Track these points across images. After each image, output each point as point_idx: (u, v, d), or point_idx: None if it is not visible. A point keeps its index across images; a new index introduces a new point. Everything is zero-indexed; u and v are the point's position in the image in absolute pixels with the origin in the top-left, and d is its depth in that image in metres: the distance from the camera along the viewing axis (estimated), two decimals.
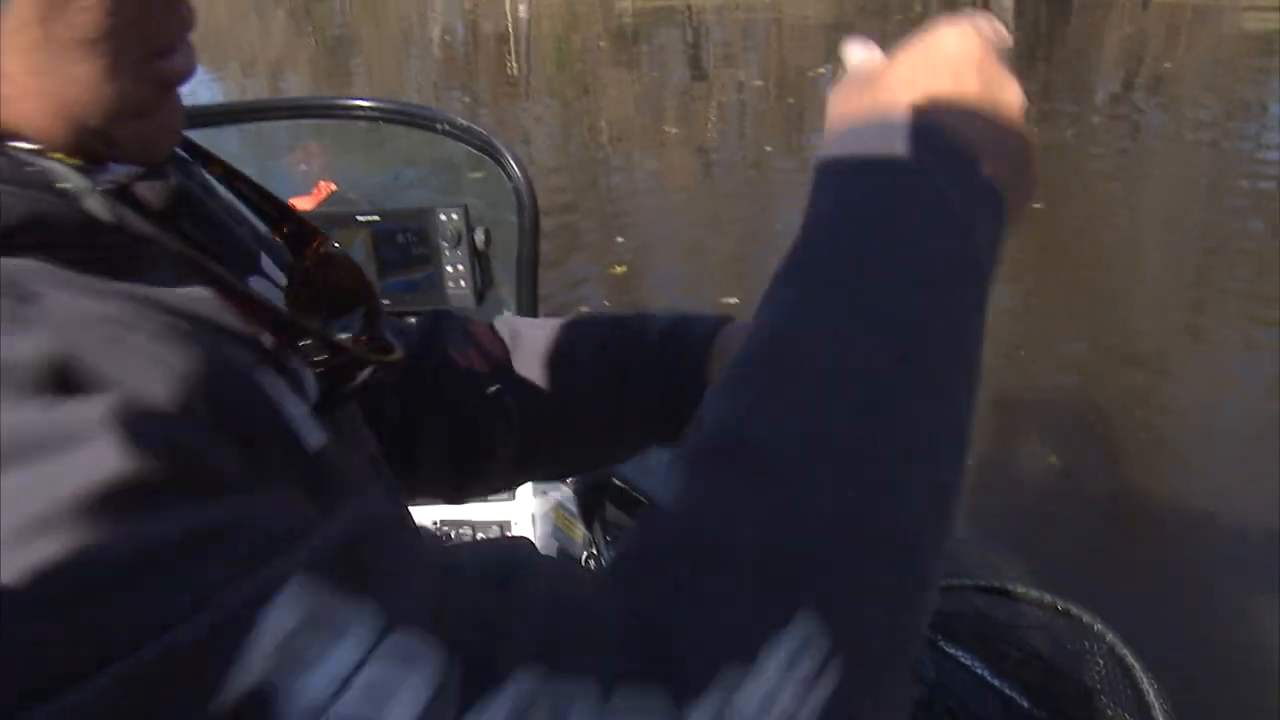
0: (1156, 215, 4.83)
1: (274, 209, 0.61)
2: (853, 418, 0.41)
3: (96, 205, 0.41)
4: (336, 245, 0.62)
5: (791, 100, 8.04)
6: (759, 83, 8.71)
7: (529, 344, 0.79)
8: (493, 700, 0.33)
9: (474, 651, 0.34)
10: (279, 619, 0.31)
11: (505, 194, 1.45)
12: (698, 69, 9.61)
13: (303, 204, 1.91)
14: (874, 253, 0.45)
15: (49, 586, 0.30)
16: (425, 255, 1.54)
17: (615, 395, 0.76)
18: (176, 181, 0.50)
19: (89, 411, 0.33)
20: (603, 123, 7.75)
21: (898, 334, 0.43)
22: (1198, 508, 2.64)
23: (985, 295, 0.47)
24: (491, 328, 0.81)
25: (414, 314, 1.57)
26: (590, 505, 1.69)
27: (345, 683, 0.31)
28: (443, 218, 1.52)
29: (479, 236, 1.55)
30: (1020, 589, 1.60)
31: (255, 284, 0.56)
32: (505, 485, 0.87)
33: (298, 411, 0.47)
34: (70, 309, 0.37)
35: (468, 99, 8.85)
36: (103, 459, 0.32)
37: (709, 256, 4.72)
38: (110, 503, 0.32)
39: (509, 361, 0.79)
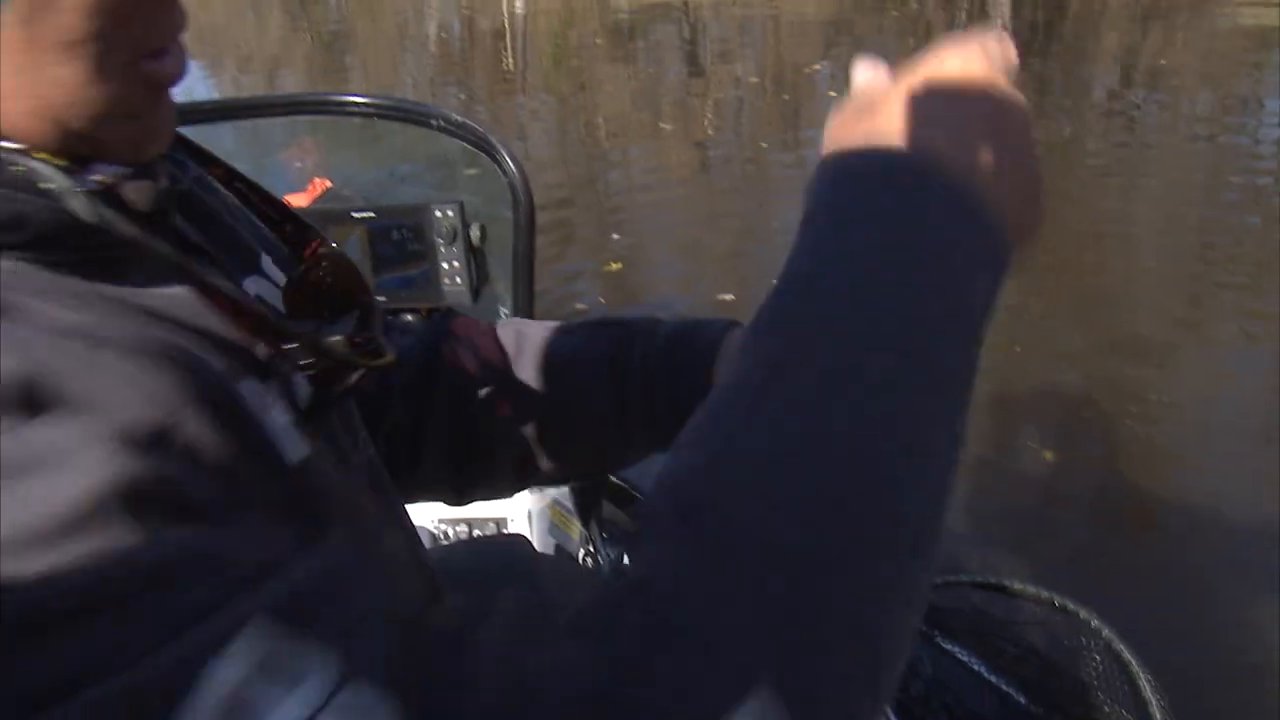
0: (1153, 210, 4.82)
1: (274, 210, 0.61)
2: (820, 490, 0.39)
3: (80, 206, 0.40)
4: (334, 246, 0.62)
5: (788, 97, 8.03)
6: (755, 79, 8.70)
7: (535, 346, 0.78)
8: None
9: (425, 714, 0.33)
10: (232, 667, 0.31)
11: (501, 190, 1.45)
12: (694, 65, 9.59)
13: (298, 201, 1.90)
14: (860, 306, 0.43)
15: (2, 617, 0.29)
16: (421, 252, 1.54)
17: (621, 399, 0.75)
18: (173, 181, 0.50)
19: (54, 436, 0.33)
20: (599, 119, 7.74)
21: (878, 400, 0.41)
22: (1196, 504, 2.64)
23: (979, 342, 0.45)
24: (493, 329, 0.81)
25: (410, 311, 1.58)
26: (587, 502, 1.69)
27: None
28: (438, 214, 1.52)
29: (474, 233, 1.55)
30: (1017, 585, 1.60)
31: (255, 284, 0.56)
32: (510, 488, 0.85)
33: (280, 423, 0.46)
34: (43, 322, 0.37)
35: (463, 95, 8.83)
36: (65, 487, 0.32)
37: (705, 253, 4.71)
38: (71, 533, 0.31)
39: (513, 363, 0.78)
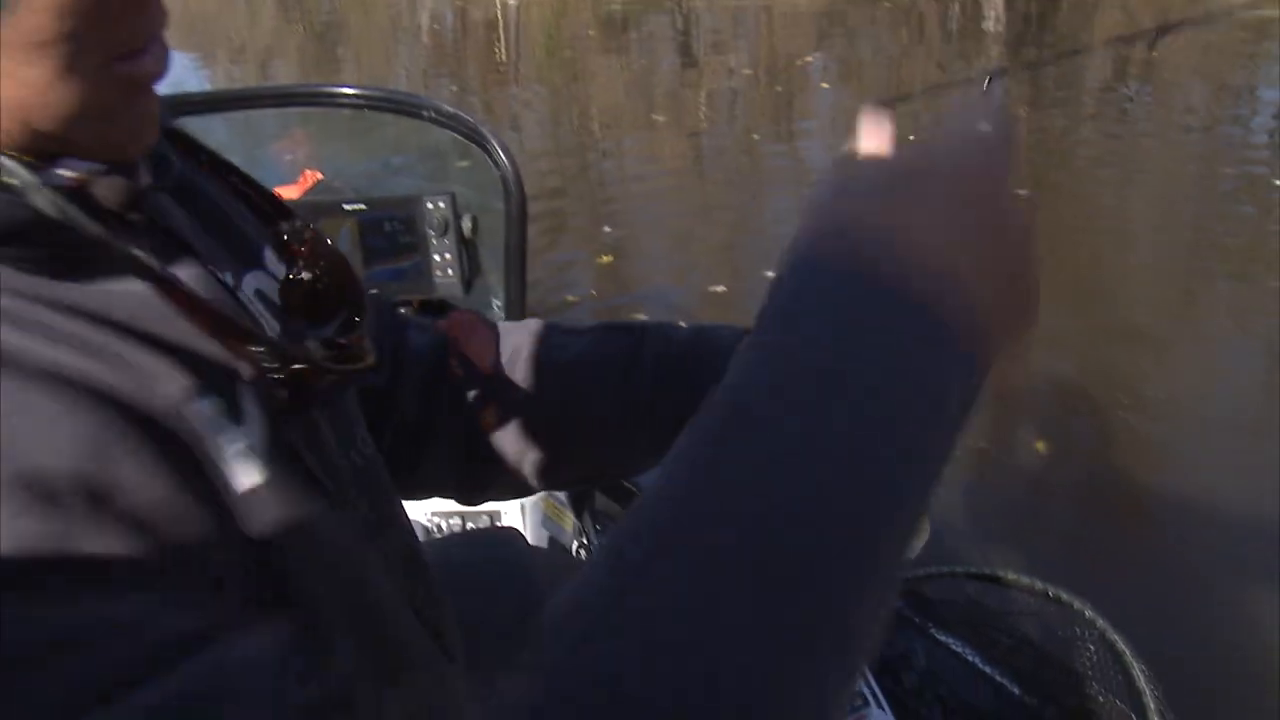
0: (1147, 201, 4.83)
1: (270, 205, 0.60)
2: (736, 613, 0.34)
3: (44, 202, 0.39)
4: (330, 242, 0.61)
5: (781, 88, 8.02)
6: (748, 71, 8.69)
7: (546, 348, 0.78)
8: None
9: None
10: None
11: (493, 181, 1.45)
12: (687, 56, 9.58)
13: (288, 193, 1.89)
14: (812, 425, 0.37)
15: None
16: (412, 243, 1.54)
17: (633, 404, 0.75)
18: (157, 177, 0.49)
19: None
20: (592, 110, 7.74)
21: (820, 520, 0.36)
22: (1189, 495, 2.65)
23: (945, 459, 0.40)
24: (505, 329, 0.80)
25: (402, 303, 1.57)
26: (580, 495, 1.68)
27: None
28: (430, 206, 1.52)
29: (466, 224, 1.54)
30: (1011, 575, 1.60)
31: (256, 279, 0.55)
32: (515, 491, 0.83)
33: (233, 448, 0.43)
34: None
35: (456, 87, 8.82)
36: None
37: (697, 244, 4.71)
38: None
39: (523, 364, 0.77)
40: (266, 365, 0.46)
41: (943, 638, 1.53)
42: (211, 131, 1.57)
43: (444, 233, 1.52)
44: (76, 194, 0.42)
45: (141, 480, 0.38)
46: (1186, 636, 2.08)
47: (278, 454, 0.46)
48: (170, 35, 0.45)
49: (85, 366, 0.38)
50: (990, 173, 0.44)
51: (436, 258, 1.54)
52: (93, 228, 0.40)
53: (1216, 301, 3.79)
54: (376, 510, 0.60)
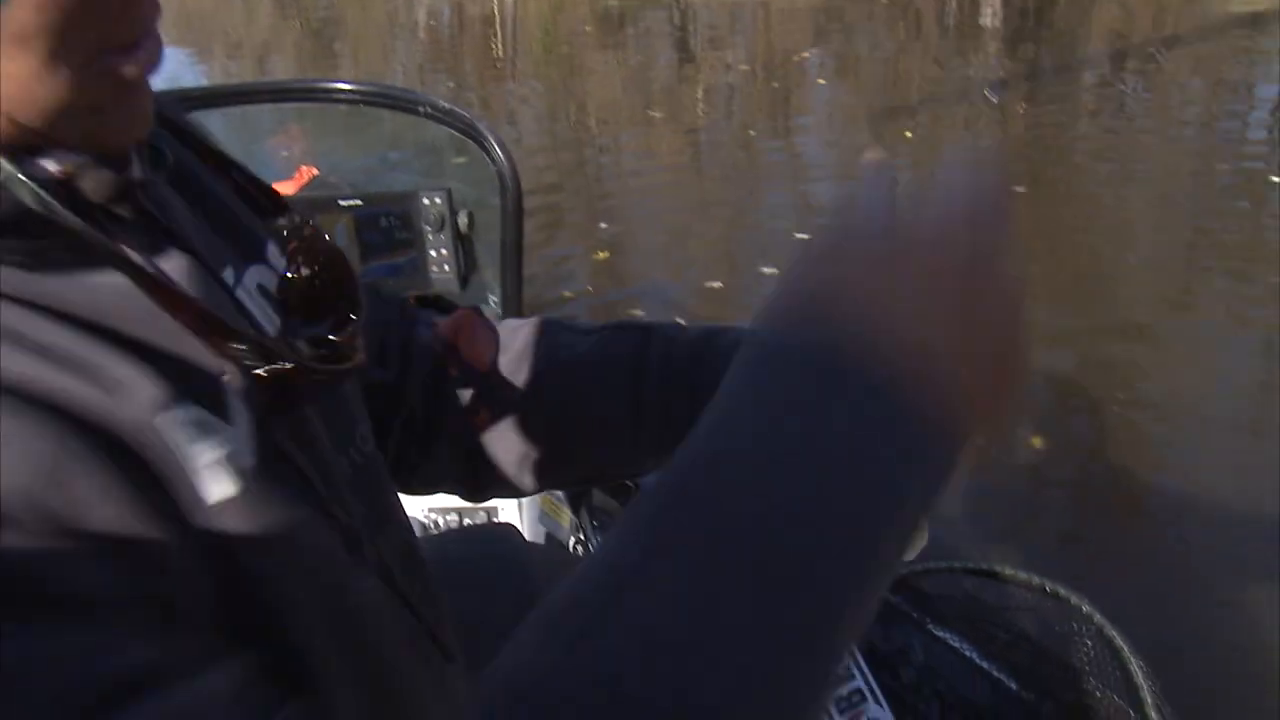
0: (1144, 196, 4.83)
1: (270, 201, 0.60)
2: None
3: (25, 194, 0.39)
4: (328, 238, 0.61)
5: (778, 84, 8.02)
6: (745, 67, 8.68)
7: (554, 346, 0.77)
8: None
9: None
10: None
11: (489, 177, 1.45)
12: (685, 52, 9.57)
13: (284, 188, 1.89)
14: (812, 425, 0.37)
15: None
16: (408, 239, 1.54)
17: (638, 405, 0.74)
18: (152, 168, 0.48)
19: None
20: (589, 106, 7.73)
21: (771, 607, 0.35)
22: (1185, 489, 2.65)
23: (900, 552, 0.39)
24: (511, 327, 0.79)
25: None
26: (578, 491, 1.68)
27: None
28: (426, 201, 1.51)
29: (462, 220, 1.54)
30: (1008, 571, 1.61)
31: (258, 273, 0.55)
32: (517, 489, 0.82)
33: (206, 457, 0.42)
34: None
35: (452, 83, 8.80)
36: None
37: (694, 240, 4.71)
38: None
39: (529, 362, 0.77)
40: (249, 364, 0.45)
41: (940, 633, 1.53)
42: (208, 127, 1.56)
43: (440, 228, 1.52)
44: (62, 187, 0.41)
45: (96, 502, 0.36)
46: (1185, 635, 2.08)
47: (263, 455, 0.45)
48: (166, 30, 0.45)
49: (49, 378, 0.37)
50: (982, 249, 0.43)
51: (433, 253, 1.54)
52: (73, 221, 0.39)
53: (1214, 297, 3.78)
54: (374, 508, 0.60)
